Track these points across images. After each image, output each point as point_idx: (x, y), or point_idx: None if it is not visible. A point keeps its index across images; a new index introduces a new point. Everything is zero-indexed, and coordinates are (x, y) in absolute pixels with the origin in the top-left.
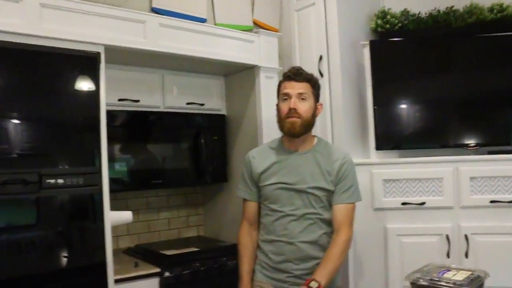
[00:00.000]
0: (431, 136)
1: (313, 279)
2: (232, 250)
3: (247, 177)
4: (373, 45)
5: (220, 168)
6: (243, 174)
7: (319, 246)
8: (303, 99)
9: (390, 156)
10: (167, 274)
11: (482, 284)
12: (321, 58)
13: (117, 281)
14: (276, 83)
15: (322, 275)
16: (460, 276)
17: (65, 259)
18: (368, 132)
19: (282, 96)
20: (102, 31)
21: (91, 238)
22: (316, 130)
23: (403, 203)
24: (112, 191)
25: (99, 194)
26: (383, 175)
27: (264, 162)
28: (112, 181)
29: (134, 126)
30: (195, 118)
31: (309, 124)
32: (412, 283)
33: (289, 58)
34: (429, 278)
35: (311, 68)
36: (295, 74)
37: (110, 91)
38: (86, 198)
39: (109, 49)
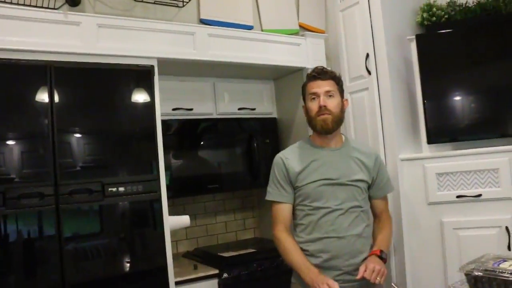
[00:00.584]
0: (488, 126)
1: (381, 250)
2: None
3: (281, 178)
4: (419, 39)
5: None
6: (274, 176)
7: (364, 239)
8: (330, 96)
9: (442, 150)
10: (225, 275)
11: None
12: (368, 56)
13: (177, 283)
14: None
15: (386, 247)
16: None
17: (128, 263)
18: (419, 127)
19: (310, 96)
20: (154, 45)
21: (152, 242)
22: (366, 127)
23: (458, 196)
24: (170, 197)
25: (158, 200)
26: (436, 168)
27: (300, 161)
28: (169, 187)
29: (188, 134)
30: (247, 122)
31: (340, 119)
32: (467, 274)
33: (336, 58)
34: (483, 268)
35: (358, 66)
36: (319, 73)
37: (165, 101)
38: (146, 204)
39: (161, 61)
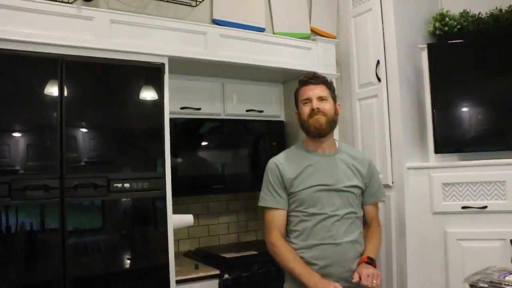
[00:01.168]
0: (495, 138)
1: (368, 256)
2: None
3: (275, 184)
4: (431, 48)
5: None
6: (268, 182)
7: (359, 245)
8: (323, 100)
9: (449, 160)
10: (226, 276)
11: None
12: (378, 63)
13: (178, 282)
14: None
15: (373, 254)
16: None
17: (130, 260)
18: (426, 136)
19: (302, 101)
20: (166, 43)
21: (155, 240)
22: (374, 135)
23: (464, 207)
24: (173, 195)
25: (163, 198)
26: (443, 178)
27: (294, 166)
28: (174, 186)
29: (195, 133)
30: (254, 124)
31: (334, 122)
32: (472, 285)
33: (346, 64)
34: (489, 280)
35: (368, 73)
36: (311, 78)
37: (173, 100)
38: (150, 201)
39: (172, 59)
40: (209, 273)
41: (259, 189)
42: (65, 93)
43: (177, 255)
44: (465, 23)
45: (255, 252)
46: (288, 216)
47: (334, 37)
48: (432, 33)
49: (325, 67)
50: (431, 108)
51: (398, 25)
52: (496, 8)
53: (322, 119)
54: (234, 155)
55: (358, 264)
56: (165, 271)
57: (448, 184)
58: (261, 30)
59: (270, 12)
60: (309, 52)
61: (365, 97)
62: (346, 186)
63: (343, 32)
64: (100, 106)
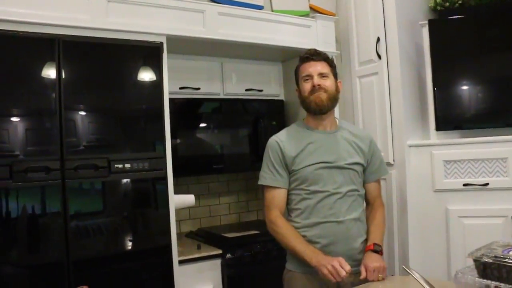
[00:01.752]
0: (495, 115)
1: (374, 243)
2: None
3: (276, 162)
4: (432, 25)
5: None
6: (269, 160)
7: (361, 223)
8: (324, 77)
9: (450, 137)
10: (228, 255)
11: None
12: (378, 40)
13: (181, 262)
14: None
15: (379, 239)
16: None
17: (132, 241)
18: (427, 114)
19: (303, 78)
20: (164, 21)
21: (157, 220)
22: (375, 113)
23: (465, 184)
24: (175, 175)
25: (164, 178)
26: (444, 156)
27: (295, 144)
28: (174, 166)
29: (195, 113)
30: (254, 104)
31: (335, 98)
32: (476, 260)
33: (346, 41)
34: (493, 255)
35: (368, 50)
36: (313, 54)
37: (172, 80)
38: (151, 182)
39: (170, 39)
40: (212, 253)
41: (259, 169)
42: (63, 75)
43: (179, 235)
44: None
45: (257, 232)
46: (289, 194)
47: (333, 15)
48: (433, 9)
49: (325, 44)
50: (432, 86)
51: (399, 1)
52: None
53: (323, 96)
54: (234, 135)
55: (365, 252)
56: (168, 252)
57: (450, 161)
58: (260, 7)
59: None
60: (308, 30)
61: (365, 75)
62: (348, 163)
63: (343, 9)
64: (98, 87)
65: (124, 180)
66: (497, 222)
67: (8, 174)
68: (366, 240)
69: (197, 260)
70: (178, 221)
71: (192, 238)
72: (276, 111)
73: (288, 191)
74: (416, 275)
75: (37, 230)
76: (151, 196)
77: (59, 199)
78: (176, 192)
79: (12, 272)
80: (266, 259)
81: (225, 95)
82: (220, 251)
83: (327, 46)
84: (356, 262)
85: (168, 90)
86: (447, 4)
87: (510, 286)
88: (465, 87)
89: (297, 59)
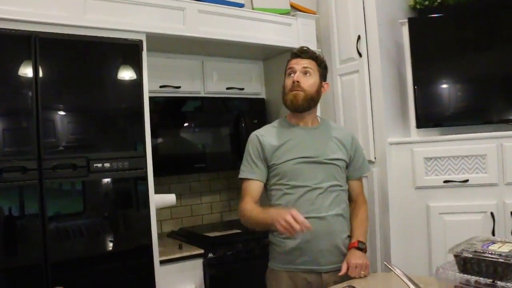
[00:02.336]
0: (474, 113)
1: (358, 241)
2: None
3: (254, 155)
4: (412, 23)
5: None
6: (248, 154)
7: (344, 219)
8: (307, 73)
9: (430, 134)
10: (210, 255)
11: None
12: (359, 38)
13: (162, 262)
14: None
15: (363, 236)
16: (506, 248)
17: (113, 242)
18: (408, 111)
19: (287, 72)
20: (143, 19)
21: (138, 220)
22: (356, 110)
23: (446, 181)
24: (156, 175)
25: (144, 178)
26: (425, 153)
27: (276, 139)
28: (155, 165)
29: (176, 112)
30: (235, 102)
31: (312, 99)
32: (456, 256)
33: (327, 39)
34: (473, 250)
35: (349, 48)
36: (301, 52)
37: (152, 78)
38: (131, 181)
39: (150, 36)
40: (193, 253)
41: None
42: (40, 73)
43: (160, 236)
44: None
45: (239, 231)
46: (270, 190)
47: (314, 13)
48: (413, 8)
49: (306, 43)
50: (412, 84)
51: (379, 0)
52: None
53: (299, 95)
54: (215, 134)
55: (348, 249)
56: (149, 252)
57: (430, 158)
58: (240, 5)
59: None
60: (289, 28)
61: (346, 73)
62: (330, 159)
63: (323, 7)
64: (77, 86)
65: (104, 180)
66: (477, 218)
67: None
68: (349, 237)
69: (178, 260)
70: (160, 221)
71: (173, 238)
72: (257, 110)
73: (269, 186)
74: (398, 272)
75: (13, 232)
76: (131, 196)
77: (37, 200)
78: (157, 191)
79: None
80: (249, 258)
81: (206, 93)
82: (201, 251)
83: (308, 44)
84: (339, 259)
85: (148, 89)
86: (427, 2)
87: (489, 280)
88: (444, 86)
89: (278, 57)
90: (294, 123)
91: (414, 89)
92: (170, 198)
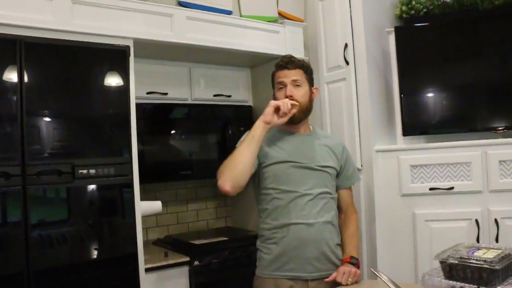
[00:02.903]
0: (458, 121)
1: (351, 256)
2: None
3: None
4: (398, 32)
5: None
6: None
7: (333, 226)
8: (297, 85)
9: (416, 142)
10: (196, 262)
11: None
12: (346, 46)
13: (148, 270)
14: None
15: (355, 251)
16: (490, 254)
17: (98, 250)
18: (394, 119)
19: (277, 85)
20: (131, 25)
21: (123, 228)
22: (342, 118)
23: (431, 188)
24: (142, 182)
25: (130, 185)
26: (411, 160)
27: (269, 142)
28: (141, 172)
29: (162, 119)
30: (222, 109)
31: (307, 109)
32: (442, 262)
33: (314, 47)
34: (458, 256)
35: (336, 56)
36: (287, 63)
37: (139, 85)
38: (117, 188)
39: (138, 42)
40: (179, 260)
41: None
42: (25, 78)
43: (145, 243)
44: (431, 7)
45: (225, 238)
46: (260, 194)
47: (301, 21)
48: (399, 17)
49: (293, 50)
50: (398, 92)
51: (366, 8)
52: None
53: (293, 111)
54: (202, 141)
55: (342, 264)
56: (134, 260)
57: (416, 166)
58: (228, 12)
59: None
60: (276, 36)
61: (333, 81)
62: (321, 166)
63: (311, 15)
64: (62, 91)
65: (89, 187)
66: (462, 225)
67: None
68: (339, 245)
69: (164, 267)
70: (145, 229)
71: (159, 246)
72: (245, 117)
73: (259, 190)
74: (385, 278)
75: None
76: (117, 203)
77: (20, 207)
78: (143, 199)
79: None
80: (235, 266)
81: (193, 100)
82: (187, 258)
83: (295, 52)
84: (326, 266)
85: (134, 95)
86: (413, 12)
87: (474, 286)
88: (430, 94)
89: (265, 65)
90: (288, 130)
91: (401, 97)
92: (156, 206)
